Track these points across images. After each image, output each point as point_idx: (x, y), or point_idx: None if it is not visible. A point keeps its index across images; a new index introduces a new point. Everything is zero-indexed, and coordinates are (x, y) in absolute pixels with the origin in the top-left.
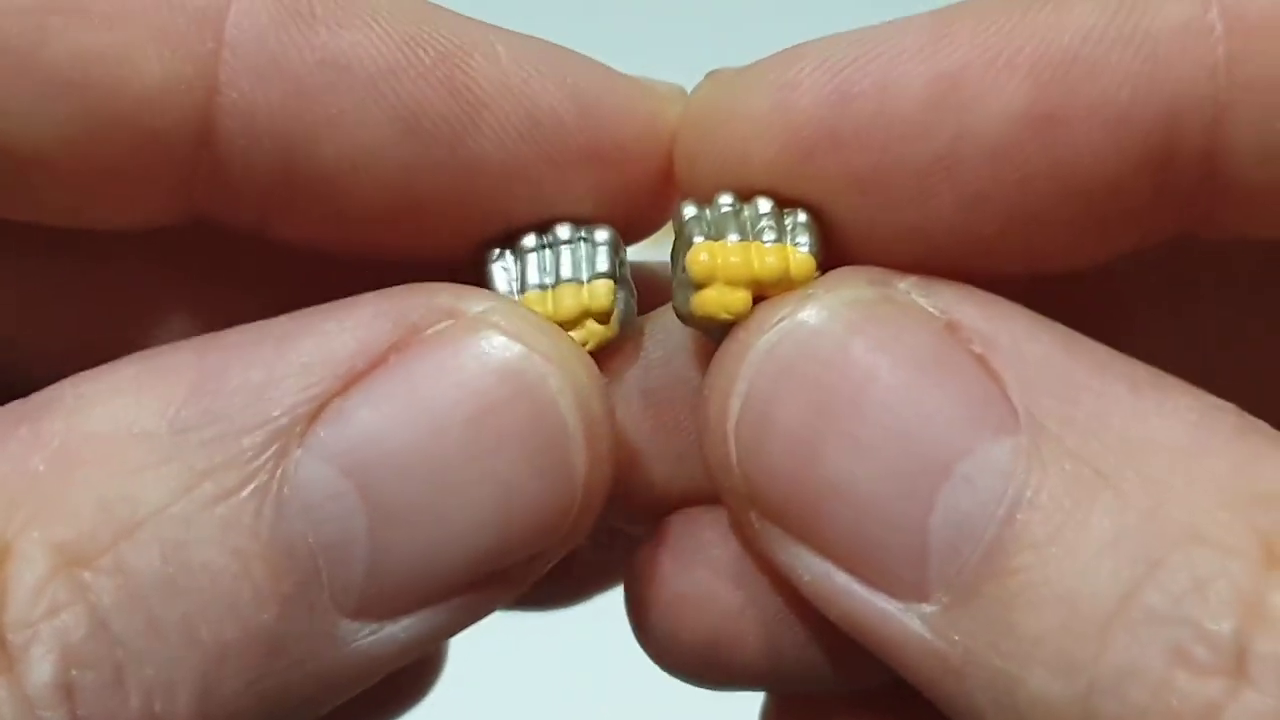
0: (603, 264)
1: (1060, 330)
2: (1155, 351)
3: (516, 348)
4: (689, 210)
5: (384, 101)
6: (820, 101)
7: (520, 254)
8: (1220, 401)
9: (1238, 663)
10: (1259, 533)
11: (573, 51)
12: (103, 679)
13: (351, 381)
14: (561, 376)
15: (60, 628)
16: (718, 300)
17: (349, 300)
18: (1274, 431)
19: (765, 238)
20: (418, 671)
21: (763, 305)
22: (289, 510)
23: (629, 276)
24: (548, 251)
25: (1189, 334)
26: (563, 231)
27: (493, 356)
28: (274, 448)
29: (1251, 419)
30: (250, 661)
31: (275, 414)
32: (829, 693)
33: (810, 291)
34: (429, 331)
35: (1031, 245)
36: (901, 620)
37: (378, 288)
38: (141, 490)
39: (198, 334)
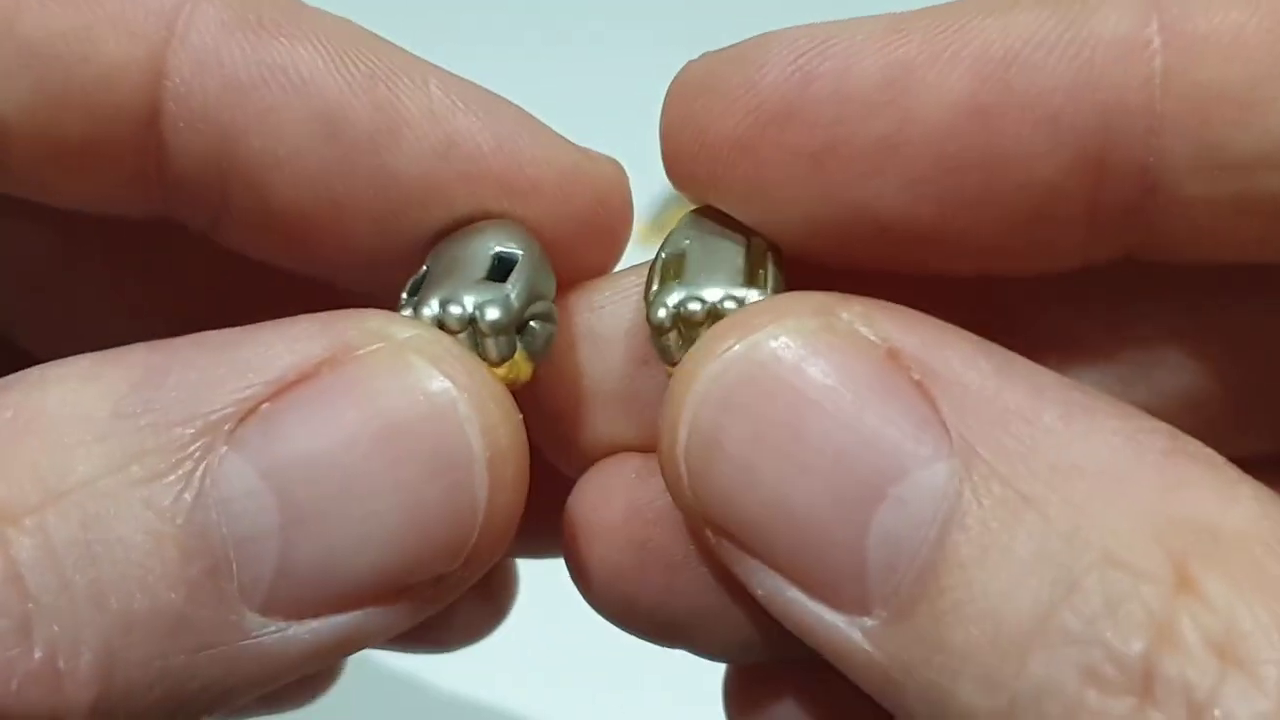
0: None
1: (999, 356)
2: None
3: (432, 374)
4: (665, 323)
5: (309, 104)
6: (783, 80)
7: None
8: (1153, 423)
9: (1145, 684)
10: (1173, 556)
11: (507, 100)
12: (9, 627)
13: (282, 390)
14: (470, 405)
15: None
16: None
17: (292, 318)
18: (1205, 452)
19: None
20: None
21: (709, 333)
22: (206, 500)
23: (551, 310)
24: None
25: (1134, 350)
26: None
27: (409, 381)
28: (202, 441)
29: (1184, 440)
30: (155, 635)
31: (206, 410)
32: (771, 659)
33: (754, 320)
34: (360, 351)
35: (974, 238)
36: (846, 633)
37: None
38: (74, 463)
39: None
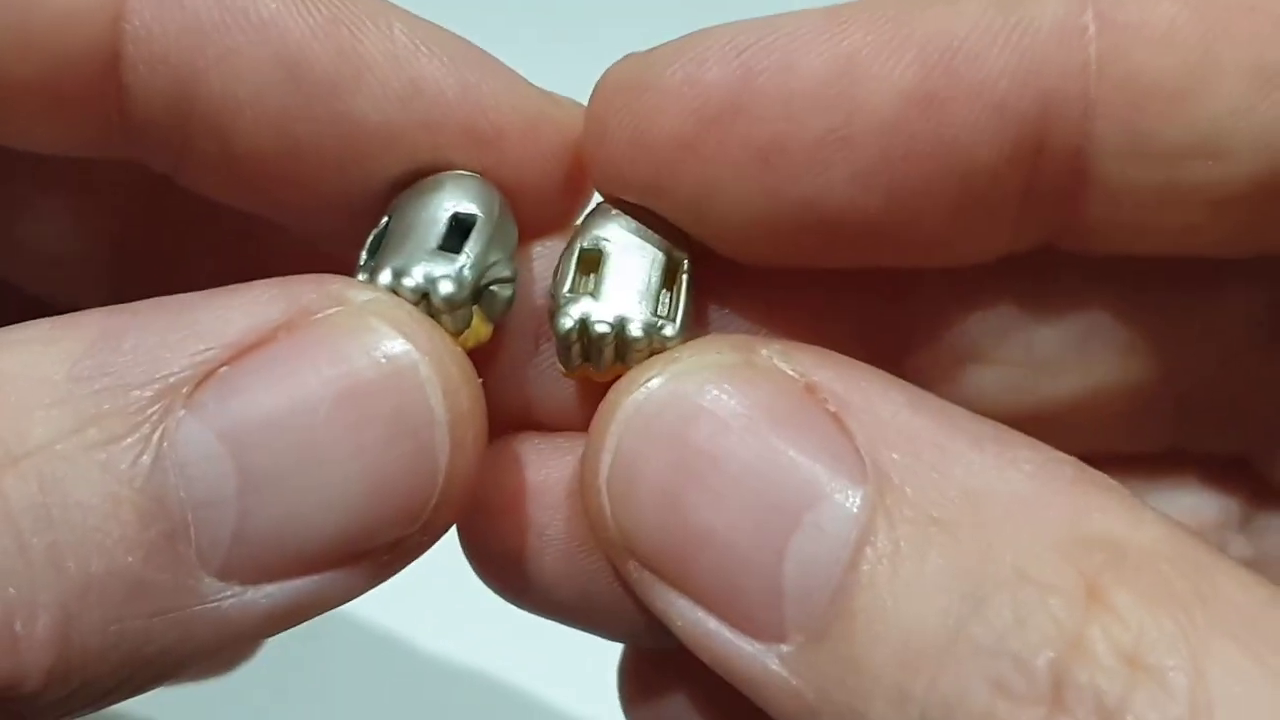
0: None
1: (912, 391)
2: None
3: (393, 336)
4: (571, 335)
5: (270, 47)
6: (726, 76)
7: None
8: (1060, 455)
9: (1055, 692)
10: (1083, 573)
11: (473, 45)
12: None
13: (240, 354)
14: (431, 367)
15: None
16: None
17: (251, 283)
18: (1109, 482)
19: (636, 348)
20: None
21: (634, 370)
22: (164, 463)
23: (510, 271)
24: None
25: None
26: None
27: (369, 343)
28: (160, 405)
29: (1089, 471)
30: (112, 598)
31: (164, 373)
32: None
33: (676, 356)
34: (318, 316)
35: (915, 229)
36: (762, 661)
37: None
38: (31, 427)
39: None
